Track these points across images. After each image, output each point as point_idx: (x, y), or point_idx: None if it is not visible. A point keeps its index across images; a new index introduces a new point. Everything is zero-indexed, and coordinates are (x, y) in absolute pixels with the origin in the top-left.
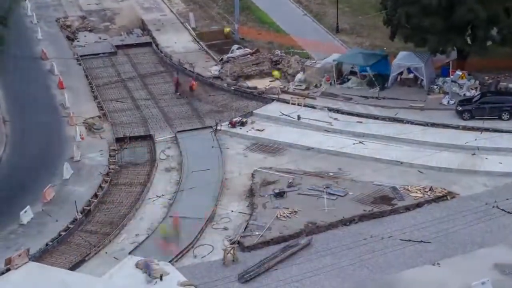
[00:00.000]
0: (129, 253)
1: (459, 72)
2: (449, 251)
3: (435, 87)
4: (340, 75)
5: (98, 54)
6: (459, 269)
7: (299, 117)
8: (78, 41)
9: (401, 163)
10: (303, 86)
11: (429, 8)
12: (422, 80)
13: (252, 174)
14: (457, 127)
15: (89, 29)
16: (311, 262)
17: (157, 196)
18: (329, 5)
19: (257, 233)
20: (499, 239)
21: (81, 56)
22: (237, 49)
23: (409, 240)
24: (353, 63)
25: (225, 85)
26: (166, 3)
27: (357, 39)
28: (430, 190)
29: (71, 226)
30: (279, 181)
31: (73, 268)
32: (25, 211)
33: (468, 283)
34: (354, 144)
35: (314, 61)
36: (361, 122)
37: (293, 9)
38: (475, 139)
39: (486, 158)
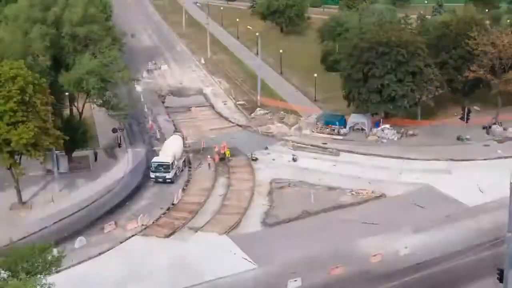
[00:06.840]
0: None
1: (385, 125)
2: None
3: (372, 133)
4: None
5: None
6: None
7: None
8: None
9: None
10: (298, 132)
11: (372, 88)
12: (365, 129)
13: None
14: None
15: None
16: None
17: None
18: (310, 85)
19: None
20: None
21: None
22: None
23: None
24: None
25: (253, 129)
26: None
27: (328, 105)
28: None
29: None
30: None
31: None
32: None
33: None
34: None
35: (303, 117)
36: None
37: (290, 86)
38: None
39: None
